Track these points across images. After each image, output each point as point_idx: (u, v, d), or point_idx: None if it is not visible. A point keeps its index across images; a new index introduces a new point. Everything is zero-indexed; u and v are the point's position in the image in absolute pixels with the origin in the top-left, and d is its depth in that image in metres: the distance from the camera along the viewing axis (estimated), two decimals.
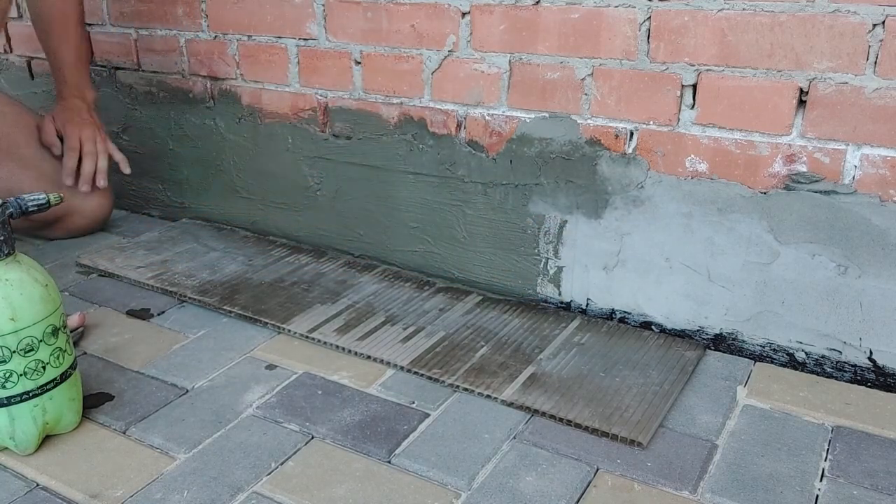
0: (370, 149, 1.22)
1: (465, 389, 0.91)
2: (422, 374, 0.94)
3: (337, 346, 1.00)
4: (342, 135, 1.24)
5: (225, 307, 1.10)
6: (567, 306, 1.12)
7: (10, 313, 0.76)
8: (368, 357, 0.98)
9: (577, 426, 0.85)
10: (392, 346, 1.00)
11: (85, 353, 1.01)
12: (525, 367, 0.95)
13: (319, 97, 1.24)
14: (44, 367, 0.80)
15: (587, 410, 0.87)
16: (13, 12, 1.55)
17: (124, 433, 0.86)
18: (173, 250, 1.30)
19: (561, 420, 0.86)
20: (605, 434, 0.83)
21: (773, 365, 0.99)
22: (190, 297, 1.13)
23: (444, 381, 0.93)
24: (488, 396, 0.90)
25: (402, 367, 0.96)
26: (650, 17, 0.94)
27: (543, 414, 0.87)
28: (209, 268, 1.23)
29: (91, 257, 1.27)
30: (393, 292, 1.14)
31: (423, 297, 1.13)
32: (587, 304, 1.11)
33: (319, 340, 1.02)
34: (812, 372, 0.97)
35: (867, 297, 0.91)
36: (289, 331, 1.04)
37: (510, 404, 0.89)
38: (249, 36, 1.27)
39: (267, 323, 1.06)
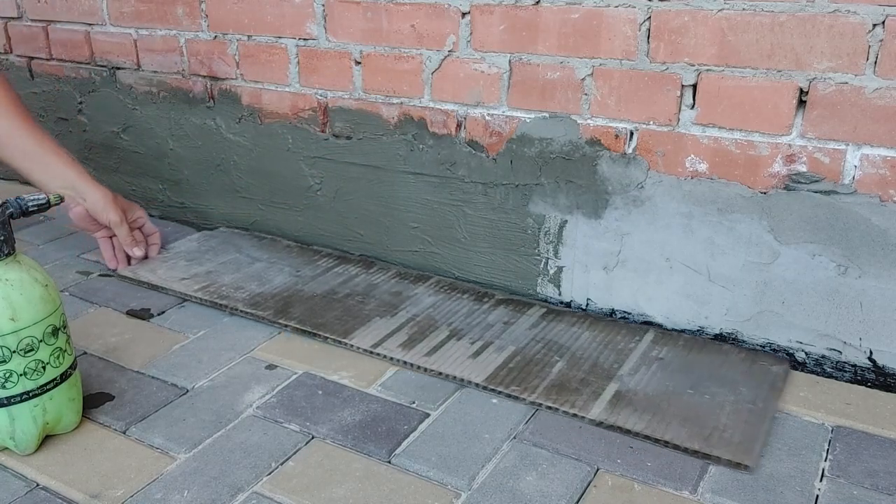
0: (370, 149, 1.22)
1: (549, 408, 0.87)
2: (499, 392, 0.90)
3: (405, 363, 0.96)
4: (342, 135, 1.24)
5: (280, 321, 1.06)
6: (567, 306, 1.12)
7: (10, 313, 0.76)
8: (440, 374, 0.94)
9: (676, 448, 0.81)
10: (462, 363, 0.96)
11: (85, 353, 1.01)
12: (607, 384, 0.91)
13: (319, 97, 1.24)
14: (44, 367, 0.80)
15: (683, 431, 0.82)
16: (13, 12, 1.55)
17: (124, 433, 0.86)
18: (216, 261, 1.26)
19: (657, 441, 0.82)
20: (706, 456, 0.79)
21: None
22: (242, 311, 1.09)
23: (524, 399, 0.89)
24: (574, 415, 0.86)
25: (477, 385, 0.92)
26: (650, 17, 0.94)
27: (637, 434, 0.83)
28: (257, 279, 1.19)
29: (132, 269, 1.23)
30: (452, 304, 1.11)
31: (484, 309, 1.09)
32: (587, 304, 1.11)
33: (385, 356, 0.98)
34: (812, 372, 0.97)
35: (867, 297, 0.91)
36: (350, 345, 1.01)
37: (599, 424, 0.85)
38: (249, 36, 1.27)
39: (327, 338, 1.02)
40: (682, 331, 1.04)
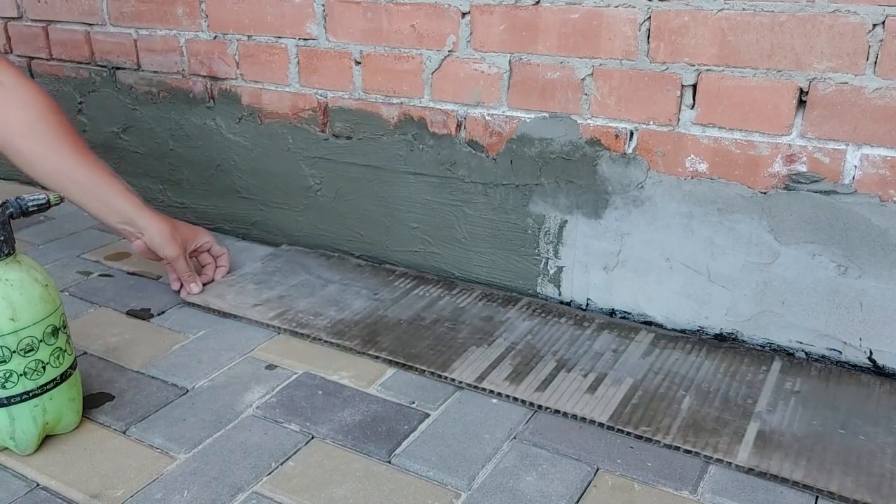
0: (370, 149, 1.22)
1: (687, 451, 0.81)
2: (628, 433, 0.83)
3: (515, 399, 0.89)
4: (342, 135, 1.24)
5: (370, 352, 0.99)
6: (567, 306, 1.12)
7: (10, 313, 0.76)
8: (557, 412, 0.87)
9: (843, 500, 0.74)
10: (579, 399, 0.89)
11: (85, 353, 1.01)
12: (747, 423, 0.84)
13: (319, 97, 1.24)
14: (44, 367, 0.80)
15: (849, 480, 0.75)
16: (13, 12, 1.55)
17: (124, 433, 0.86)
18: (286, 283, 1.19)
19: (821, 492, 0.75)
20: None
21: None
22: (325, 340, 1.03)
23: (658, 441, 0.82)
24: (719, 461, 0.79)
25: (601, 425, 0.85)
26: (650, 17, 0.94)
27: (796, 484, 0.76)
28: (334, 304, 1.12)
29: (200, 296, 1.15)
30: (550, 330, 1.04)
31: (587, 335, 1.02)
32: (587, 305, 1.11)
33: (492, 391, 0.91)
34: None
35: (867, 297, 0.92)
36: (452, 380, 0.94)
37: (749, 470, 0.78)
38: (249, 36, 1.27)
39: (424, 370, 0.95)
40: (682, 331, 1.04)
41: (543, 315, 1.08)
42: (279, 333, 1.06)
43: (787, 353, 0.97)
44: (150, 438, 0.85)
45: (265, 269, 1.25)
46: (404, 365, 0.97)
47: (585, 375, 0.93)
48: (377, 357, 0.99)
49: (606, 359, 0.97)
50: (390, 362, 0.98)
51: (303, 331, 1.05)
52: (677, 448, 0.81)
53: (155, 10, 1.35)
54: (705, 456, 0.80)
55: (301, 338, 1.04)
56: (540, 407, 0.88)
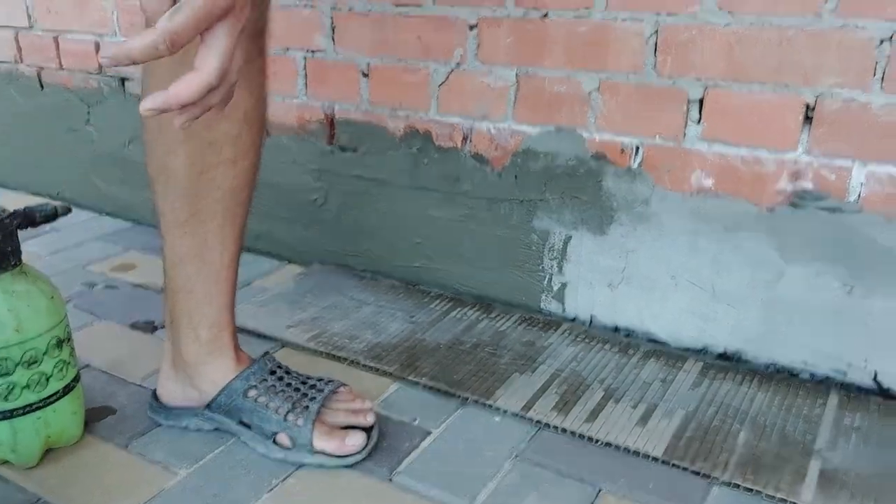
0: (375, 162, 1.22)
1: (748, 490, 0.78)
2: (684, 469, 0.81)
3: (563, 430, 0.87)
4: (348, 147, 1.24)
5: (409, 377, 0.97)
6: (571, 322, 1.12)
7: (15, 324, 0.76)
8: (608, 445, 0.85)
9: None
10: (630, 431, 0.86)
11: (88, 366, 1.01)
12: (808, 461, 0.81)
13: (326, 109, 1.24)
14: (47, 380, 0.80)
15: None
16: (24, 22, 1.56)
17: (126, 447, 0.86)
18: (319, 304, 1.17)
19: None
20: None
21: None
22: (364, 364, 1.01)
23: (716, 479, 0.79)
24: (782, 500, 0.76)
25: (655, 459, 0.82)
26: (657, 32, 0.93)
27: None
28: (370, 327, 1.10)
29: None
30: (595, 357, 1.01)
31: (634, 363, 1.00)
32: (591, 321, 1.10)
33: (539, 422, 0.89)
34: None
35: (873, 317, 0.91)
36: (497, 408, 0.92)
37: None
38: None
39: (468, 399, 0.93)
40: (687, 349, 1.03)
41: (587, 341, 1.05)
42: (316, 356, 1.04)
43: (840, 386, 0.94)
44: (151, 453, 0.85)
45: (297, 288, 1.23)
46: (445, 392, 0.94)
47: (635, 406, 0.91)
48: (417, 383, 0.96)
49: (656, 389, 0.94)
50: (431, 388, 0.96)
51: (340, 354, 1.03)
52: (737, 486, 0.78)
53: None
54: (767, 495, 0.77)
55: (338, 361, 1.02)
56: (590, 439, 0.86)
